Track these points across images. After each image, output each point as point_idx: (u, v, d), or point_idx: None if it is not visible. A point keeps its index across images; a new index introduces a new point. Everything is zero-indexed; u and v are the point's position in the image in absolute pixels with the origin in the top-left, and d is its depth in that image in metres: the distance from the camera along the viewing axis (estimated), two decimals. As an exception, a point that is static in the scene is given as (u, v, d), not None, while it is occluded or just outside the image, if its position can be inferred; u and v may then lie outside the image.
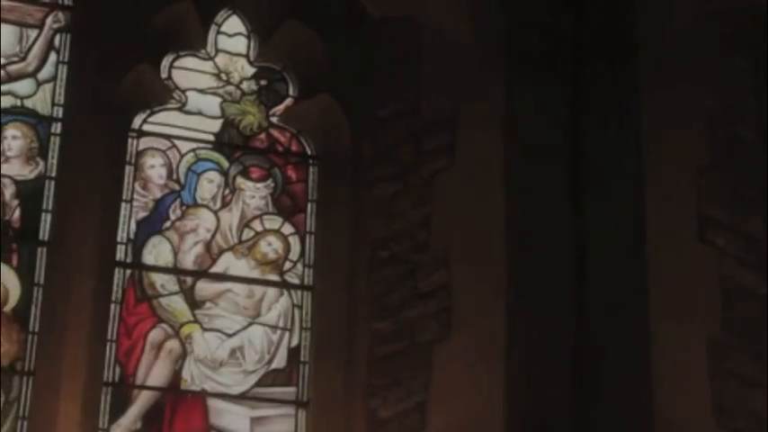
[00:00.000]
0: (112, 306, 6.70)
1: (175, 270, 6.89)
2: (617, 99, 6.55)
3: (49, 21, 7.13)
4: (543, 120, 6.51)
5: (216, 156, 7.17)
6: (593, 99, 6.56)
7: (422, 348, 6.48)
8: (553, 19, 6.59)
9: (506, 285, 6.25)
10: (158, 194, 7.02)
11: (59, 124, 6.94)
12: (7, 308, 6.60)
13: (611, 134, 6.50)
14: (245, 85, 7.32)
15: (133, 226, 6.89)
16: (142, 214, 6.94)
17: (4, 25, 7.06)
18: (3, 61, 7.00)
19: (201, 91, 7.24)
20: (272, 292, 6.99)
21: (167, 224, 6.96)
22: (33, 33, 7.10)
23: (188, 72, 7.23)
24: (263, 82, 7.35)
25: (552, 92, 6.55)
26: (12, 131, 6.89)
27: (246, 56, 7.35)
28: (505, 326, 6.17)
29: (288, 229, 7.12)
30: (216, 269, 6.96)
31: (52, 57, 7.07)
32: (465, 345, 6.28)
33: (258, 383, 6.82)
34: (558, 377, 6.11)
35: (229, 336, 6.84)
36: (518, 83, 6.53)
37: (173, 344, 6.76)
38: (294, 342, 6.92)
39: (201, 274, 6.92)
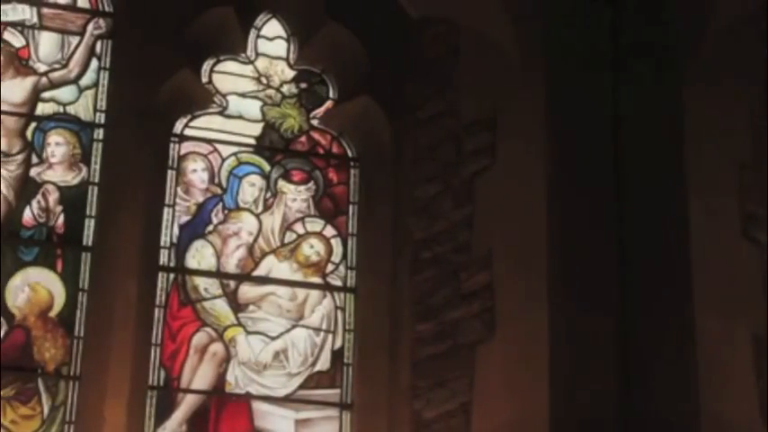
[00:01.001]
0: (156, 310, 6.74)
1: (218, 274, 6.92)
2: (658, 97, 6.51)
3: (90, 27, 7.17)
4: (584, 118, 6.48)
5: (257, 159, 7.20)
6: (635, 98, 6.52)
7: (465, 349, 6.47)
8: (592, 18, 6.56)
9: (549, 284, 6.22)
10: (200, 199, 7.05)
11: (102, 130, 6.99)
12: (52, 313, 6.66)
13: (652, 132, 6.46)
14: (285, 89, 7.34)
15: (176, 230, 6.93)
16: (185, 218, 6.98)
17: (45, 33, 7.12)
18: (45, 68, 7.06)
19: (242, 95, 7.26)
20: (314, 294, 7.01)
21: (210, 228, 6.99)
22: (75, 40, 7.15)
23: (228, 76, 7.26)
24: (303, 85, 7.37)
25: (593, 90, 6.52)
26: (55, 138, 6.95)
27: (286, 59, 7.38)
28: (549, 325, 6.14)
29: (330, 231, 7.13)
30: (258, 272, 6.98)
31: (94, 63, 7.12)
32: (508, 345, 6.26)
33: (302, 386, 6.84)
34: (602, 376, 6.07)
35: (273, 338, 6.86)
36: (558, 82, 6.50)
37: (217, 347, 6.79)
38: (337, 344, 6.93)
39: (244, 277, 6.95)
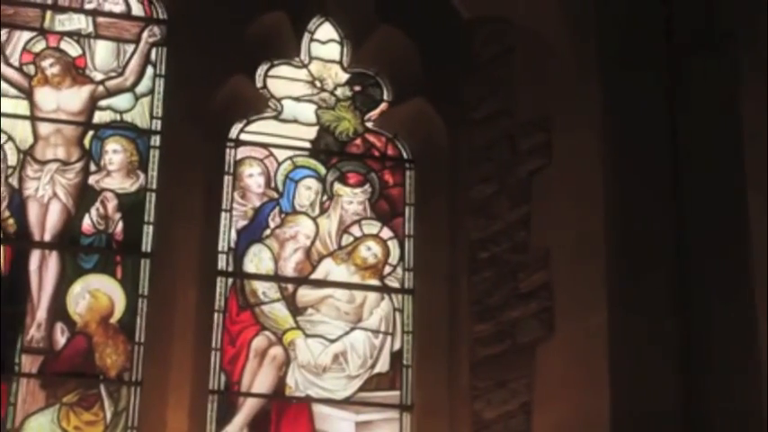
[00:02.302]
0: (216, 315, 6.77)
1: (276, 277, 6.95)
2: (715, 93, 6.46)
3: (145, 35, 7.23)
4: (640, 115, 6.44)
5: (313, 163, 7.22)
6: (691, 92, 6.47)
7: (524, 349, 6.45)
8: (647, 15, 6.51)
9: (608, 283, 6.18)
10: (257, 203, 7.08)
11: (158, 137, 7.04)
12: (113, 319, 6.71)
13: (711, 127, 6.41)
14: (339, 92, 7.36)
15: (233, 235, 6.96)
16: (242, 223, 7.01)
17: (101, 41, 7.19)
18: (101, 77, 7.12)
19: (296, 99, 7.29)
20: (372, 296, 7.02)
21: (267, 232, 7.02)
22: (130, 48, 7.21)
23: (283, 80, 7.29)
24: (357, 88, 7.38)
25: (649, 86, 6.48)
26: (112, 146, 7.00)
27: (340, 62, 7.39)
28: (608, 323, 6.11)
29: (386, 233, 7.14)
30: (316, 275, 7.00)
31: (149, 70, 7.18)
32: (568, 344, 6.24)
33: (362, 388, 6.85)
34: (663, 375, 6.04)
35: (332, 341, 6.88)
36: (614, 79, 6.46)
37: (276, 351, 6.82)
38: (396, 346, 6.94)
39: (302, 280, 6.97)
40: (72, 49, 7.15)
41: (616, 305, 6.13)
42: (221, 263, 6.87)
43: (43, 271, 6.72)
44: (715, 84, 6.43)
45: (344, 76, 7.38)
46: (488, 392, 6.57)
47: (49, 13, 7.18)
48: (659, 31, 6.52)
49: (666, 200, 6.37)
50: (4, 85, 6.99)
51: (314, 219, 7.10)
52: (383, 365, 6.91)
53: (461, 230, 7.01)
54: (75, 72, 7.10)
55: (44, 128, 6.98)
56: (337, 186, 7.18)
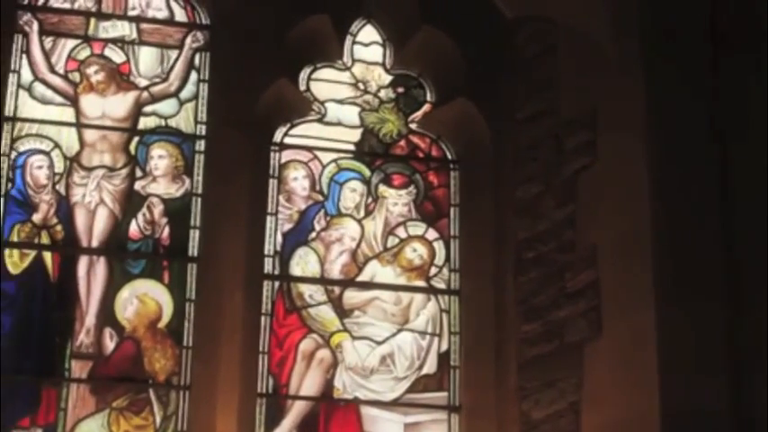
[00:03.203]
0: (263, 318, 6.79)
1: (323, 280, 6.96)
2: (760, 90, 6.41)
3: (188, 41, 7.26)
4: (686, 112, 6.40)
5: (357, 165, 7.23)
6: (736, 91, 6.43)
7: (572, 348, 6.43)
8: (691, 12, 6.47)
9: (655, 281, 6.15)
10: (302, 206, 7.09)
11: (203, 142, 7.07)
12: (161, 324, 6.75)
13: (756, 125, 6.37)
14: (382, 94, 7.36)
15: (279, 238, 6.98)
16: (287, 226, 7.02)
17: (145, 48, 7.23)
18: (146, 83, 7.16)
19: (340, 101, 7.30)
20: (419, 297, 7.01)
21: (313, 235, 7.03)
22: (174, 54, 7.24)
23: (326, 83, 7.31)
24: (400, 89, 7.39)
25: (693, 84, 6.44)
26: (158, 151, 7.04)
27: (383, 64, 7.40)
28: (656, 322, 6.08)
29: (432, 234, 7.13)
30: (362, 277, 7.01)
31: (193, 76, 7.21)
32: (616, 343, 6.21)
33: (410, 389, 6.85)
34: (713, 372, 5.99)
35: (379, 343, 6.88)
36: (658, 76, 6.43)
37: (324, 353, 6.83)
38: (444, 347, 6.93)
39: (349, 282, 6.98)
40: (116, 55, 7.19)
41: (664, 303, 6.09)
42: (267, 266, 6.89)
43: (91, 277, 6.77)
44: (759, 81, 6.38)
45: (387, 78, 7.38)
46: (536, 392, 6.55)
47: (93, 21, 7.23)
48: (703, 29, 6.47)
49: (712, 196, 6.32)
50: (50, 93, 7.04)
51: (359, 221, 7.11)
52: (430, 367, 6.90)
53: (507, 230, 6.99)
54: (119, 78, 7.14)
55: (90, 135, 7.02)
56: (382, 188, 7.19)
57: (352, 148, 7.25)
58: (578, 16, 6.71)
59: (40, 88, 7.05)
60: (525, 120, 7.02)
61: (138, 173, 6.99)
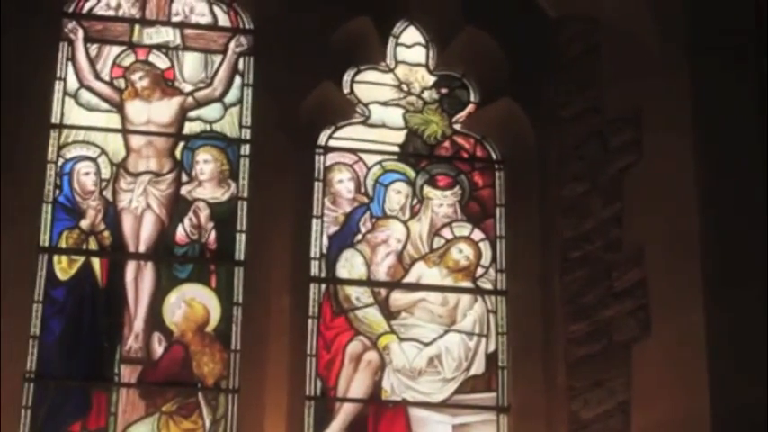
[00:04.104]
0: (310, 321, 6.80)
1: (369, 282, 6.96)
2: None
3: (232, 45, 7.28)
4: (731, 110, 6.36)
5: (402, 166, 7.23)
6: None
7: (621, 348, 6.40)
8: (736, 8, 6.43)
9: (704, 279, 6.12)
10: (348, 208, 7.10)
11: (248, 146, 7.09)
12: (209, 328, 6.77)
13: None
14: (426, 95, 7.36)
15: (325, 241, 6.99)
16: (333, 229, 7.03)
17: (189, 53, 7.26)
18: (190, 88, 7.19)
19: (384, 103, 7.30)
20: (465, 298, 7.01)
21: (358, 237, 7.04)
22: (217, 59, 7.27)
23: (369, 85, 7.31)
24: (443, 90, 7.38)
25: (739, 80, 6.40)
26: (203, 156, 7.06)
27: (426, 65, 7.40)
28: (705, 321, 6.05)
29: (478, 235, 7.12)
30: (409, 279, 7.01)
31: (237, 80, 7.23)
32: (665, 342, 6.17)
33: (458, 390, 6.84)
34: (762, 372, 5.95)
35: (426, 344, 6.88)
36: (703, 73, 6.40)
37: (371, 355, 6.83)
38: (491, 347, 6.92)
39: (395, 284, 6.98)
40: (161, 61, 7.23)
41: (713, 301, 6.06)
42: (314, 269, 6.90)
43: (139, 282, 6.80)
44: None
45: (431, 79, 7.38)
46: (585, 392, 6.53)
47: (137, 27, 7.27)
48: (749, 23, 6.43)
49: (760, 194, 6.28)
50: (96, 100, 7.09)
51: (405, 222, 7.11)
52: (478, 367, 6.89)
53: (553, 230, 6.98)
54: (164, 84, 7.18)
55: (136, 140, 7.06)
56: (427, 189, 7.19)
57: (396, 149, 7.25)
58: (621, 14, 6.69)
59: (85, 95, 7.10)
60: (570, 119, 7.00)
61: (184, 178, 7.02)
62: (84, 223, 6.86)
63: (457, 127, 7.32)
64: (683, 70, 6.42)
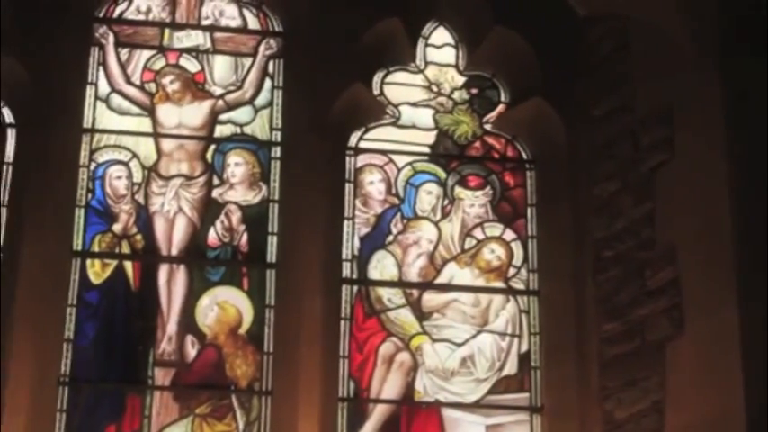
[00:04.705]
0: (342, 323, 6.81)
1: (401, 283, 6.96)
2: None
3: (261, 48, 7.30)
4: (763, 108, 6.32)
5: (433, 167, 7.23)
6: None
7: (654, 347, 6.38)
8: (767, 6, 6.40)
9: (738, 277, 6.08)
10: (379, 210, 7.10)
11: (279, 148, 7.11)
12: (242, 330, 6.79)
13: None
14: (456, 95, 7.36)
15: (356, 242, 6.99)
16: (364, 230, 7.04)
17: (219, 56, 7.28)
18: (221, 91, 7.21)
19: (414, 104, 7.30)
20: (498, 299, 7.00)
21: (390, 238, 7.04)
22: (247, 62, 7.28)
23: (399, 86, 7.32)
24: (473, 90, 7.38)
25: (771, 78, 6.38)
26: (234, 159, 7.08)
27: (456, 66, 7.39)
28: (739, 319, 6.01)
29: (509, 235, 7.11)
30: (440, 280, 7.01)
31: (267, 83, 7.25)
32: (700, 340, 6.14)
33: (491, 391, 6.84)
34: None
35: (459, 345, 6.88)
36: (735, 69, 6.36)
37: (404, 356, 6.83)
38: (524, 348, 6.91)
39: (427, 285, 6.98)
40: (191, 65, 7.25)
41: (747, 299, 6.03)
42: (345, 270, 6.91)
43: (172, 285, 6.83)
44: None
45: (461, 80, 7.38)
46: (619, 392, 6.51)
47: (167, 31, 7.30)
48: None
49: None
50: (127, 104, 7.12)
51: (436, 223, 7.10)
52: (511, 368, 6.88)
53: (585, 229, 6.96)
54: (194, 88, 7.20)
55: (167, 144, 7.09)
56: (458, 190, 7.18)
57: (427, 150, 7.25)
58: (651, 11, 6.66)
59: (117, 99, 7.13)
60: (601, 118, 6.98)
61: (216, 181, 7.04)
62: (117, 227, 6.89)
63: (487, 127, 7.31)
64: (714, 66, 6.38)
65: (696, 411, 6.04)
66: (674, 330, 6.29)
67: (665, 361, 6.30)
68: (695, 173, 6.41)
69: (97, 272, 6.81)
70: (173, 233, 6.92)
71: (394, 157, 7.20)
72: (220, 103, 7.19)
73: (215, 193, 7.02)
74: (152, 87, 7.17)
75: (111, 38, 7.20)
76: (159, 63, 7.23)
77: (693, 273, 6.29)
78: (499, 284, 7.02)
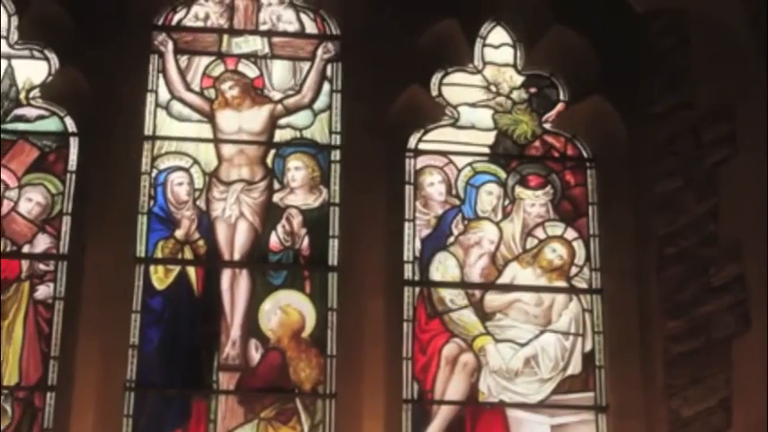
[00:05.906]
0: (405, 324, 6.81)
1: (463, 284, 6.95)
2: None
3: (319, 52, 7.32)
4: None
5: (493, 167, 7.21)
6: None
7: (720, 344, 6.33)
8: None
9: (804, 271, 6.04)
10: (439, 211, 7.09)
11: (338, 151, 7.12)
12: (305, 334, 6.81)
13: None
14: (515, 95, 7.34)
15: (418, 244, 6.99)
16: (425, 232, 7.03)
17: (277, 61, 7.31)
18: (279, 96, 7.23)
19: (472, 105, 7.29)
20: (560, 298, 6.97)
21: (451, 239, 7.03)
22: (306, 66, 7.31)
23: (458, 87, 7.30)
24: (532, 89, 7.35)
25: (834, 69, 6.31)
26: (294, 163, 7.10)
27: (514, 65, 7.37)
28: (806, 315, 5.97)
29: (571, 233, 7.08)
30: (502, 280, 6.99)
31: (326, 86, 7.26)
32: (765, 337, 6.08)
33: (555, 391, 6.80)
34: None
35: (522, 345, 6.85)
36: (796, 63, 6.32)
37: (467, 357, 6.82)
38: (588, 347, 6.88)
39: (489, 286, 6.96)
40: (250, 70, 7.28)
41: (813, 294, 5.98)
42: (407, 272, 6.91)
43: (234, 289, 6.86)
44: None
45: (519, 79, 7.36)
46: (685, 390, 6.46)
47: (225, 37, 7.34)
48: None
49: None
50: (187, 111, 7.17)
51: (497, 223, 7.09)
52: (575, 367, 6.85)
53: (647, 227, 6.92)
54: (253, 93, 7.23)
55: (227, 149, 7.12)
56: (518, 190, 7.16)
57: (486, 150, 7.24)
58: (711, 5, 6.60)
59: (177, 106, 7.18)
60: (661, 114, 6.93)
61: (276, 185, 7.07)
62: (179, 233, 6.94)
63: (547, 126, 7.28)
64: (775, 61, 6.33)
65: (763, 408, 5.98)
66: (740, 327, 6.23)
67: (731, 358, 6.25)
68: (758, 168, 6.35)
69: (161, 278, 6.86)
70: (234, 238, 6.95)
71: (453, 157, 7.19)
72: (279, 107, 7.22)
73: (276, 198, 7.04)
74: (211, 93, 7.21)
75: (170, 45, 7.25)
76: (218, 69, 7.27)
77: (758, 268, 6.23)
78: (561, 284, 6.99)
